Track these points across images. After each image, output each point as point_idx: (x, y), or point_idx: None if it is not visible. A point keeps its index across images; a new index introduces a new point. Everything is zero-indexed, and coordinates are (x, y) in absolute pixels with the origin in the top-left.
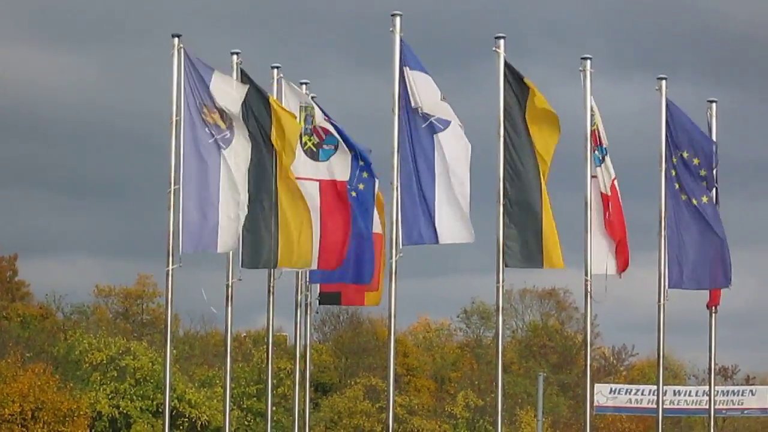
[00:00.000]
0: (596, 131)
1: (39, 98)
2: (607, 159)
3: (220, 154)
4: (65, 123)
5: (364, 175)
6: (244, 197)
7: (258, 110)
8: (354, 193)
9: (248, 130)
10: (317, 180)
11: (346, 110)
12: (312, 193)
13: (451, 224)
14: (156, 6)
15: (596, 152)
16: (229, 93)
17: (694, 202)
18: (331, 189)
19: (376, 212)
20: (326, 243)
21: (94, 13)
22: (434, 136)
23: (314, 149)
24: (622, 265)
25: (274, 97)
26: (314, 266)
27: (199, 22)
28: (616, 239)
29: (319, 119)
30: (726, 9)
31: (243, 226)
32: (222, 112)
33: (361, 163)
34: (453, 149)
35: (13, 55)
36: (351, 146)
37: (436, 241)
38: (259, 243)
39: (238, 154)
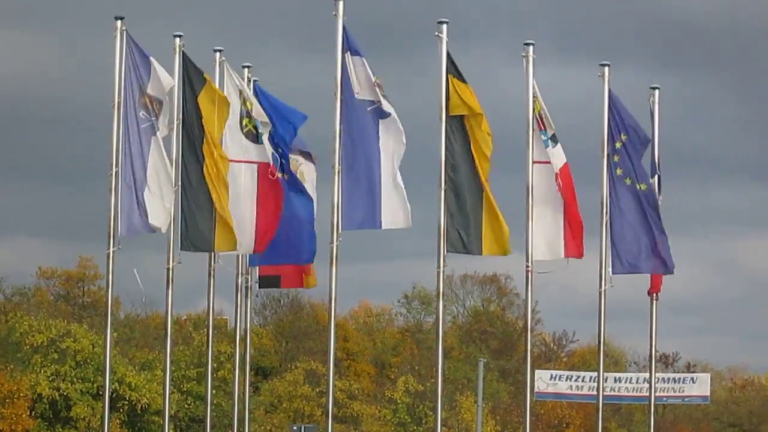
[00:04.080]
0: (541, 115)
1: None
2: (558, 144)
3: (152, 138)
4: (6, 104)
5: (293, 160)
6: (172, 183)
7: (191, 98)
8: (287, 176)
9: (181, 117)
10: (256, 162)
11: (289, 94)
12: (250, 176)
13: (393, 209)
14: None
15: (542, 135)
16: (159, 82)
17: (639, 186)
18: (265, 171)
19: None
20: (261, 226)
21: None
22: (379, 121)
23: (254, 131)
24: (578, 249)
25: (214, 80)
26: (251, 250)
27: (142, 4)
28: (574, 222)
29: (253, 105)
30: None
31: (181, 209)
32: (152, 99)
33: (291, 147)
34: (393, 137)
35: None
36: (286, 127)
37: (379, 226)
38: (195, 226)
39: (163, 140)
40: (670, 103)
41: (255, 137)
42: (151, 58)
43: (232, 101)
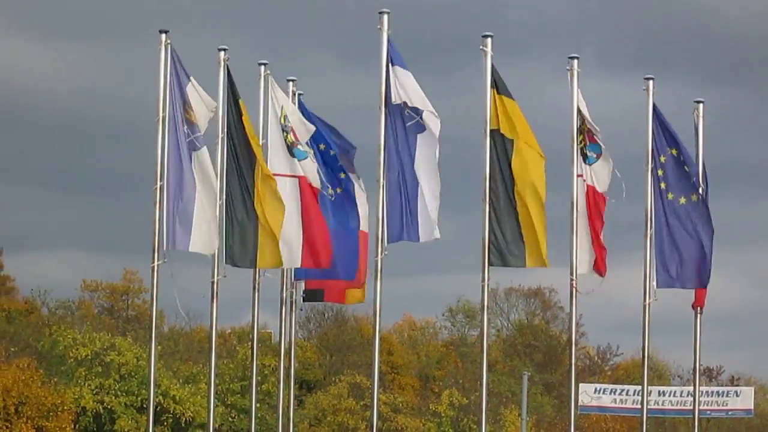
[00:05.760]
0: (590, 129)
1: (26, 93)
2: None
3: (196, 153)
4: (53, 118)
5: (341, 175)
6: (217, 198)
7: (237, 114)
8: (332, 193)
9: (226, 131)
10: (297, 177)
11: (333, 107)
12: (294, 190)
13: (429, 223)
14: (144, 1)
15: (589, 150)
16: (201, 102)
17: (682, 200)
18: (307, 187)
19: (362, 210)
20: (310, 240)
21: (81, 6)
22: (417, 135)
23: (291, 146)
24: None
25: (258, 94)
26: (298, 264)
27: (187, 18)
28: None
29: (295, 122)
30: (716, 8)
31: (227, 224)
32: (195, 115)
33: (341, 164)
34: (431, 151)
35: (1, 49)
36: (330, 146)
37: (418, 240)
38: (241, 242)
39: (208, 156)
40: (714, 117)
41: (292, 152)
42: (191, 78)
43: (271, 116)
